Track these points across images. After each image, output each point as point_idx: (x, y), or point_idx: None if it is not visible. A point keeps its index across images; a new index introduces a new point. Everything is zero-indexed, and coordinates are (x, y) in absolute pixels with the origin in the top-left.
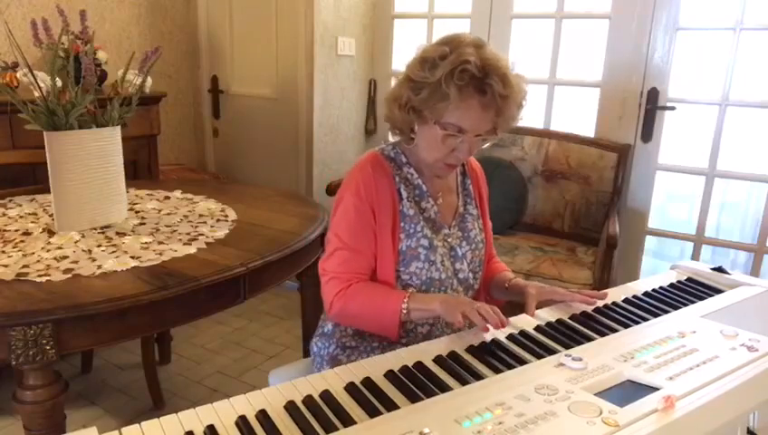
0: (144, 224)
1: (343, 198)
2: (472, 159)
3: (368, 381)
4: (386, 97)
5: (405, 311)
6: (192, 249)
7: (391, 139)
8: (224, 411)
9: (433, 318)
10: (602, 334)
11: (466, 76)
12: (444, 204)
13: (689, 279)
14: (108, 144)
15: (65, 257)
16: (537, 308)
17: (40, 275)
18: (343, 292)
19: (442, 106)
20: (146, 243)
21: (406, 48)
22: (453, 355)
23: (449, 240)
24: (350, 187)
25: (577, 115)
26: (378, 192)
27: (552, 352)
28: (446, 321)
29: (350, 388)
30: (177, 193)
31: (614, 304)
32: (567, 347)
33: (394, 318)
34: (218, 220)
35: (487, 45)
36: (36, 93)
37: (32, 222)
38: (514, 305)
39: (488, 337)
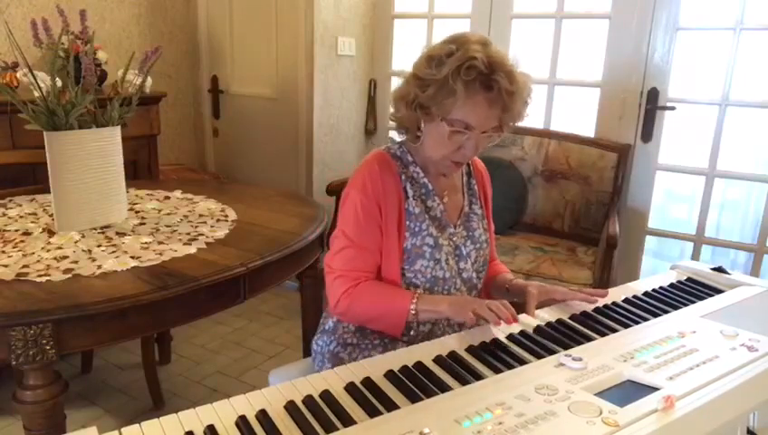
0: (144, 224)
1: (350, 195)
2: (477, 161)
3: (368, 381)
4: (392, 96)
5: (413, 312)
6: (192, 249)
7: (397, 138)
8: (224, 411)
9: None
10: (602, 334)
11: (473, 72)
12: (449, 203)
13: (689, 279)
14: (108, 144)
15: (65, 257)
16: (538, 308)
17: (40, 275)
18: (351, 290)
19: (449, 102)
20: (146, 243)
21: (406, 48)
22: (453, 355)
23: (454, 239)
24: (356, 184)
25: (577, 115)
26: (384, 189)
27: (552, 352)
28: (448, 320)
29: (350, 388)
30: (177, 193)
31: (614, 304)
32: (567, 347)
33: (401, 319)
34: (218, 220)
35: (492, 44)
36: (36, 93)
37: (32, 222)
38: (516, 306)
39: (495, 332)
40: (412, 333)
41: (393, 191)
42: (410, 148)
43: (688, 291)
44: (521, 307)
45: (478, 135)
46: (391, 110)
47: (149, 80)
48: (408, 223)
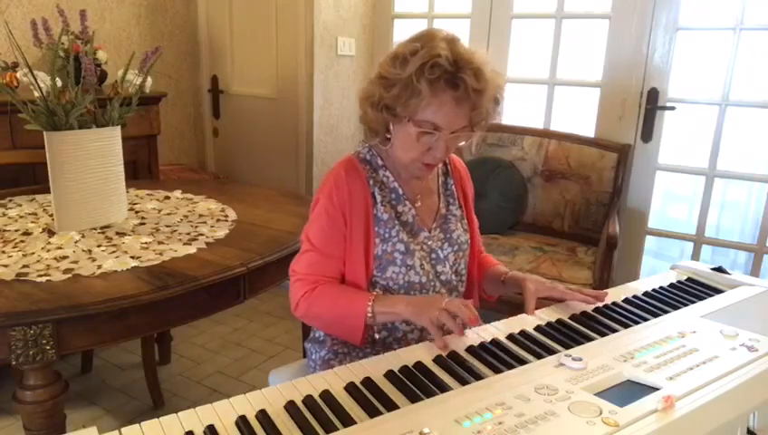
0: (144, 224)
1: (319, 200)
2: (455, 159)
3: (368, 381)
4: (358, 96)
5: (370, 314)
6: (192, 249)
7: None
8: (224, 411)
9: (402, 322)
10: (602, 334)
11: (438, 71)
12: (423, 206)
13: (689, 279)
14: (108, 144)
15: (65, 257)
16: (536, 308)
17: (40, 275)
18: (309, 293)
19: (414, 103)
20: (146, 243)
21: None
22: (453, 355)
23: (429, 243)
24: (324, 190)
25: (577, 115)
26: (350, 197)
27: (552, 352)
28: (407, 323)
29: (350, 388)
30: (177, 193)
31: (614, 304)
32: (567, 347)
33: (358, 322)
34: (218, 220)
35: (461, 41)
36: (36, 93)
37: (32, 222)
38: (515, 306)
39: (494, 332)
40: (402, 342)
41: (360, 198)
42: (380, 151)
43: (688, 291)
44: (520, 307)
45: (447, 135)
46: (359, 111)
47: (149, 80)
48: (376, 229)
